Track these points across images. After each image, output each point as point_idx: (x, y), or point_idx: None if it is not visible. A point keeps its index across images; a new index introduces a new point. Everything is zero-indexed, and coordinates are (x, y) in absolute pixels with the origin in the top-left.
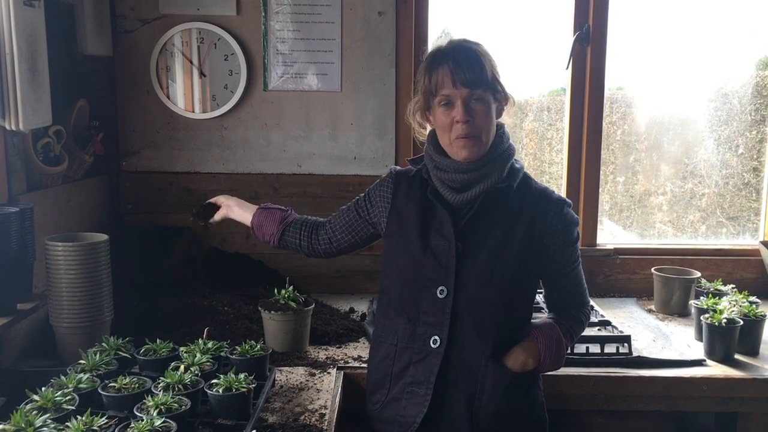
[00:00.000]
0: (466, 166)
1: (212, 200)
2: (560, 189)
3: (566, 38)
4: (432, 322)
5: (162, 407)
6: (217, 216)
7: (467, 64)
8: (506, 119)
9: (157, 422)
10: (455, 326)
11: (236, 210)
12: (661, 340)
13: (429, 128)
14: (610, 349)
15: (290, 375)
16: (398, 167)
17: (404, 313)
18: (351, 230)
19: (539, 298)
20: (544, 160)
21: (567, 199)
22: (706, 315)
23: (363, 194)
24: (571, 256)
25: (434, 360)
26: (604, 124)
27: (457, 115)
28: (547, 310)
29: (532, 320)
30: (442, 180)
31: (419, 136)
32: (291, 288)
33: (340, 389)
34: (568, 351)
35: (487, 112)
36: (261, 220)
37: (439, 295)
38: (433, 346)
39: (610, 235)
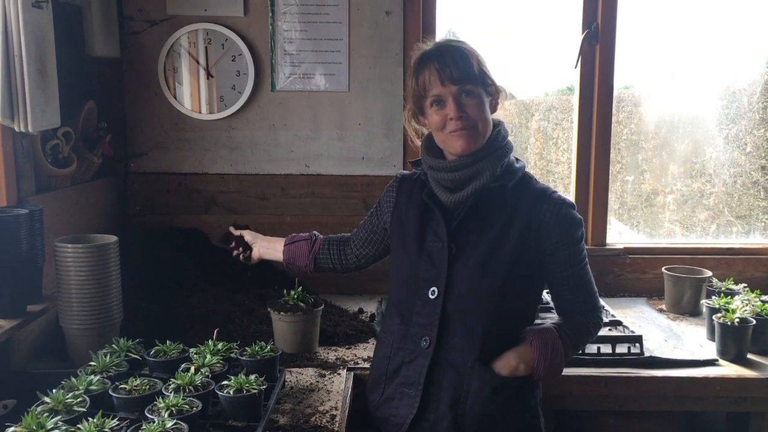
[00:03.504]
0: (458, 164)
1: (239, 233)
2: (568, 188)
3: (574, 37)
4: (423, 322)
5: (173, 409)
6: (254, 257)
7: (452, 61)
8: (501, 114)
9: (169, 424)
10: (445, 327)
11: (267, 252)
12: (672, 339)
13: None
14: (621, 349)
15: (300, 376)
16: (405, 171)
17: (399, 313)
18: (373, 242)
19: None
20: (551, 159)
21: (568, 200)
22: (719, 314)
23: (375, 204)
24: (572, 258)
25: (423, 361)
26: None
27: (450, 112)
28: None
29: (534, 324)
30: (437, 180)
31: (412, 144)
32: (300, 289)
33: (350, 390)
34: (575, 356)
35: (479, 104)
36: (291, 256)
37: (430, 295)
38: (423, 346)
39: (618, 234)
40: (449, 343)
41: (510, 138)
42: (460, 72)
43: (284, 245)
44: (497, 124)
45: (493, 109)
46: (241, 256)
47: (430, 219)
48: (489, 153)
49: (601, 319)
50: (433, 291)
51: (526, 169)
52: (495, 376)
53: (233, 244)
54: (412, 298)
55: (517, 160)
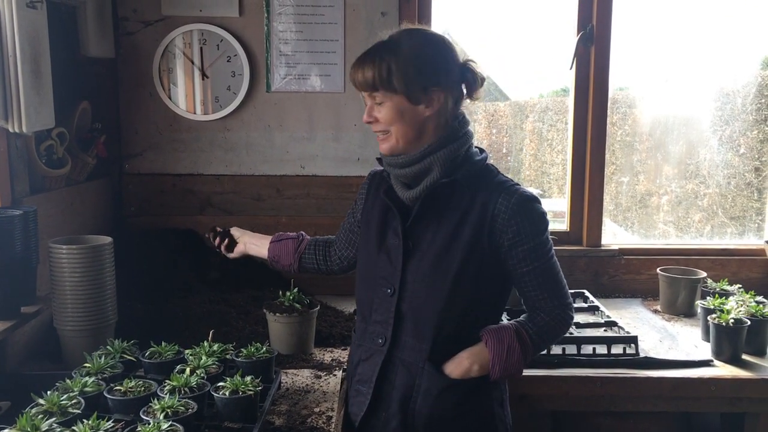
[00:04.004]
0: (405, 161)
1: (222, 230)
2: (563, 190)
3: (570, 38)
4: (379, 320)
5: (168, 410)
6: (236, 252)
7: (360, 68)
8: (469, 107)
9: (164, 426)
10: (399, 325)
11: (252, 247)
12: (667, 340)
13: None
14: (616, 350)
15: (296, 377)
16: (378, 168)
17: (360, 311)
18: (353, 243)
19: None
20: (545, 161)
21: (528, 193)
22: (713, 315)
23: (352, 204)
24: (532, 254)
25: (378, 359)
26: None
27: (364, 116)
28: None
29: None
30: (396, 177)
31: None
32: (296, 290)
33: (346, 391)
34: (571, 356)
35: (389, 112)
36: (276, 254)
37: (387, 293)
38: (379, 344)
39: (613, 235)
40: (403, 342)
41: (470, 127)
42: (364, 80)
43: (270, 242)
44: (456, 117)
45: (425, 111)
46: (222, 246)
47: (391, 216)
48: (439, 147)
49: (570, 316)
50: (390, 289)
51: (491, 161)
52: (445, 377)
53: (213, 236)
54: (371, 295)
55: (480, 151)
